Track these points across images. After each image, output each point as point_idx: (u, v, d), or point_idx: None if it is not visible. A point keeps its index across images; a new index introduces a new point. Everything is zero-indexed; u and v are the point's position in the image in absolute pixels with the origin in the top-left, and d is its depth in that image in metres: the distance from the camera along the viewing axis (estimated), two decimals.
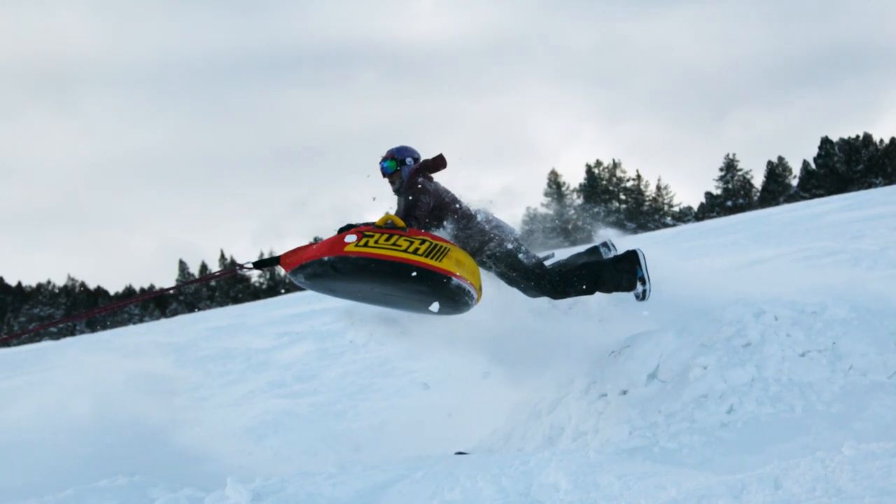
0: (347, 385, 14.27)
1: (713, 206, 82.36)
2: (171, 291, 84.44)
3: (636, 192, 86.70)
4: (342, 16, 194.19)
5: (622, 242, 9.84)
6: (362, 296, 8.81)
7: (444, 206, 8.96)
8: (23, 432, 11.15)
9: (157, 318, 72.19)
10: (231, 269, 9.55)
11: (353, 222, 8.39)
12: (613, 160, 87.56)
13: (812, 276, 12.92)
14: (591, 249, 9.78)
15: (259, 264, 8.67)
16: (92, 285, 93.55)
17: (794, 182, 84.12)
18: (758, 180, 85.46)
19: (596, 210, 78.69)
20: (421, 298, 8.60)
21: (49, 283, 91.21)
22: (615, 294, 9.33)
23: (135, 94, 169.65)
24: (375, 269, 8.13)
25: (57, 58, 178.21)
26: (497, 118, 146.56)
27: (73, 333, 71.76)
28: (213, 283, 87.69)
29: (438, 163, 9.11)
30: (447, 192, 9.13)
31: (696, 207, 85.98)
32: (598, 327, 9.57)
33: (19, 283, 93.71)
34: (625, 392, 8.50)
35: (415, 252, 8.16)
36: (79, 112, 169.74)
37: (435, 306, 8.49)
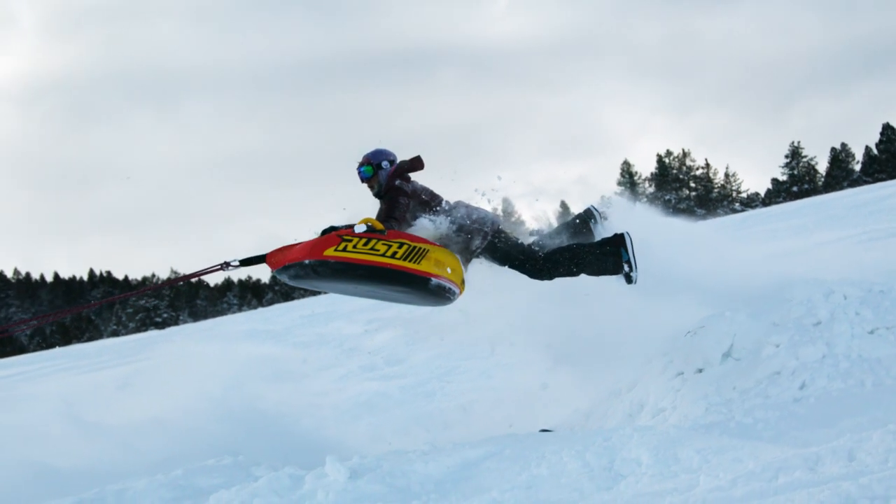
0: (434, 367, 14.30)
1: (779, 192, 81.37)
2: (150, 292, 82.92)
3: (705, 180, 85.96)
4: (423, 19, 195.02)
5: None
6: (349, 291, 8.77)
7: (423, 205, 8.82)
8: (143, 415, 11.34)
9: (255, 307, 72.91)
10: (218, 266, 9.57)
11: (336, 224, 8.36)
12: (683, 150, 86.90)
13: (877, 256, 12.77)
14: (579, 217, 9.40)
15: (245, 262, 8.60)
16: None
17: (857, 167, 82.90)
18: (822, 166, 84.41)
19: (667, 198, 78.17)
20: (403, 296, 8.66)
21: (153, 276, 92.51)
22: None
23: (231, 97, 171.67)
24: (354, 273, 8.13)
25: (157, 65, 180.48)
26: (572, 112, 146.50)
27: (176, 323, 72.84)
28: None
29: (415, 164, 8.93)
30: (425, 189, 8.97)
31: (763, 193, 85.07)
32: (666, 308, 9.50)
33: (126, 277, 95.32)
34: (701, 370, 8.44)
35: (392, 256, 8.12)
36: (179, 115, 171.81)
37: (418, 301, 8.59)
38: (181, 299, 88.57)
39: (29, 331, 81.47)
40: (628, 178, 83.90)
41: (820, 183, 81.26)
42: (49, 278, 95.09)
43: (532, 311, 10.51)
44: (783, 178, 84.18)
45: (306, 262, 8.05)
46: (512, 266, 8.96)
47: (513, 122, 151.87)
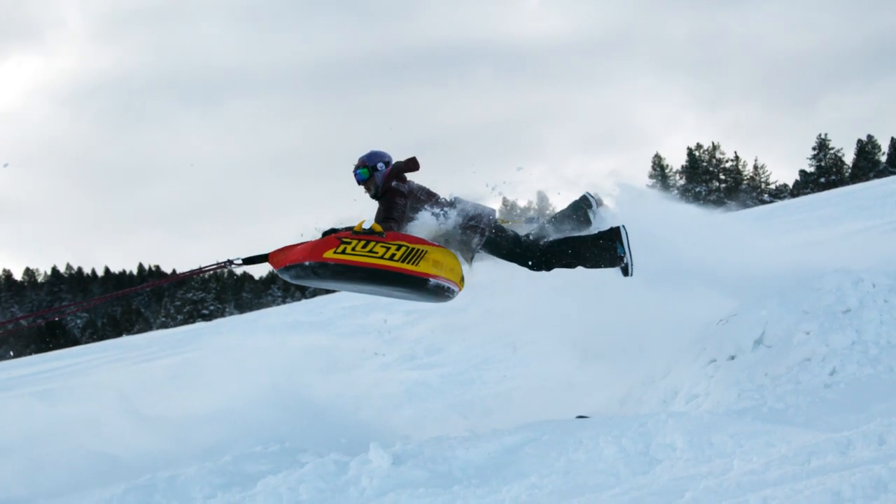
0: (472, 357, 14.31)
1: (807, 183, 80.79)
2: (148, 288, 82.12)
3: (734, 172, 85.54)
4: (459, 20, 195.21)
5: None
6: (350, 289, 8.76)
7: (421, 204, 8.70)
8: (192, 405, 11.41)
9: (298, 299, 73.19)
10: (222, 264, 9.54)
11: (336, 227, 8.37)
12: (713, 143, 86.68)
13: None
14: (575, 205, 9.15)
15: (248, 261, 8.62)
16: (238, 271, 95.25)
17: (883, 158, 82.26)
18: (848, 157, 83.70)
19: (697, 189, 77.90)
20: (404, 295, 8.67)
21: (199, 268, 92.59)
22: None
23: (272, 95, 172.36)
24: (353, 275, 8.13)
25: (201, 65, 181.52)
26: (604, 108, 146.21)
27: (222, 315, 73.18)
28: None
29: (411, 165, 8.81)
30: (422, 189, 8.84)
31: (791, 185, 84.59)
32: (694, 299, 9.46)
33: (174, 271, 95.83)
34: (733, 357, 8.42)
35: (391, 258, 8.11)
36: (222, 114, 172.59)
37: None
38: (227, 292, 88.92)
39: (75, 319, 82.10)
40: (659, 170, 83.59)
41: (847, 174, 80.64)
42: (100, 273, 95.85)
43: (562, 304, 10.53)
44: (811, 169, 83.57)
45: (306, 263, 8.08)
46: (512, 260, 8.88)
47: (547, 117, 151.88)
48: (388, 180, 8.71)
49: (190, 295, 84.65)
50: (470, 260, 8.78)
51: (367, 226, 8.19)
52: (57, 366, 31.35)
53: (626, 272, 8.76)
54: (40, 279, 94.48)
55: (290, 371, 10.82)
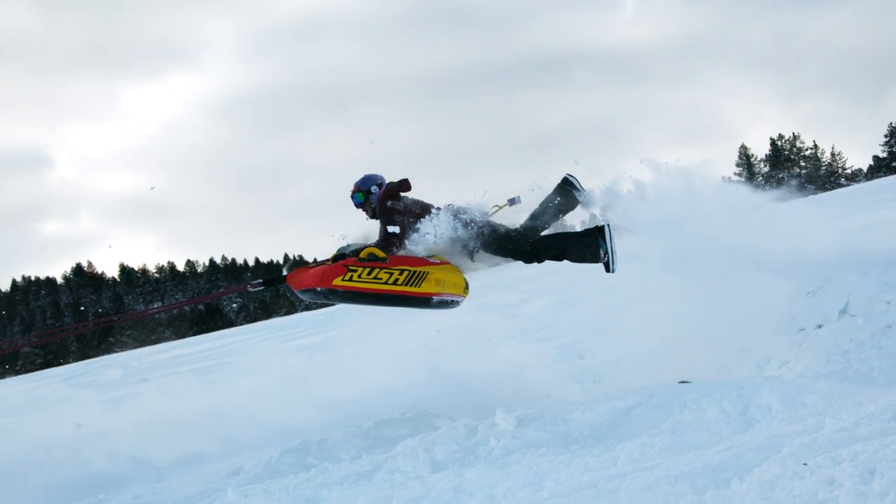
0: (583, 329, 14.25)
1: (880, 168, 78.53)
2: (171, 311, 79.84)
3: (813, 159, 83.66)
4: (560, 29, 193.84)
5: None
6: (362, 305, 8.66)
7: (417, 218, 8.48)
8: (335, 377, 11.65)
9: None
10: (242, 285, 9.68)
11: (345, 250, 8.29)
12: (793, 133, 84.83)
13: None
14: (559, 187, 8.69)
15: (268, 283, 8.65)
16: None
17: None
18: None
19: (780, 176, 76.55)
20: (411, 310, 8.61)
21: None
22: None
23: (396, 102, 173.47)
24: (361, 298, 8.17)
25: (333, 78, 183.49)
26: (693, 105, 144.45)
27: None
28: None
29: (403, 186, 8.54)
30: (416, 202, 8.60)
31: (865, 169, 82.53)
32: (779, 280, 9.31)
33: (315, 259, 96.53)
34: (820, 326, 8.32)
35: (394, 283, 8.08)
36: (350, 119, 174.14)
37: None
38: None
39: (230, 304, 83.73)
40: (745, 160, 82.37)
41: None
42: (251, 262, 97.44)
43: (659, 282, 10.46)
44: (883, 155, 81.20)
45: (318, 289, 8.10)
46: (506, 255, 8.65)
47: (642, 115, 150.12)
48: (382, 201, 8.48)
49: None
50: (471, 258, 8.64)
51: (371, 241, 8.30)
52: (222, 343, 32.15)
53: (607, 268, 8.50)
54: (199, 269, 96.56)
55: (420, 346, 10.95)
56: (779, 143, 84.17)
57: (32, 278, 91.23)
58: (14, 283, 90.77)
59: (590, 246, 8.43)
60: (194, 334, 59.26)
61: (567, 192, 8.65)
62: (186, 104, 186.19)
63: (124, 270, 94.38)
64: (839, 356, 7.80)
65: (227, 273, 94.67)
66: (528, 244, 8.52)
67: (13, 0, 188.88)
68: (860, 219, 19.52)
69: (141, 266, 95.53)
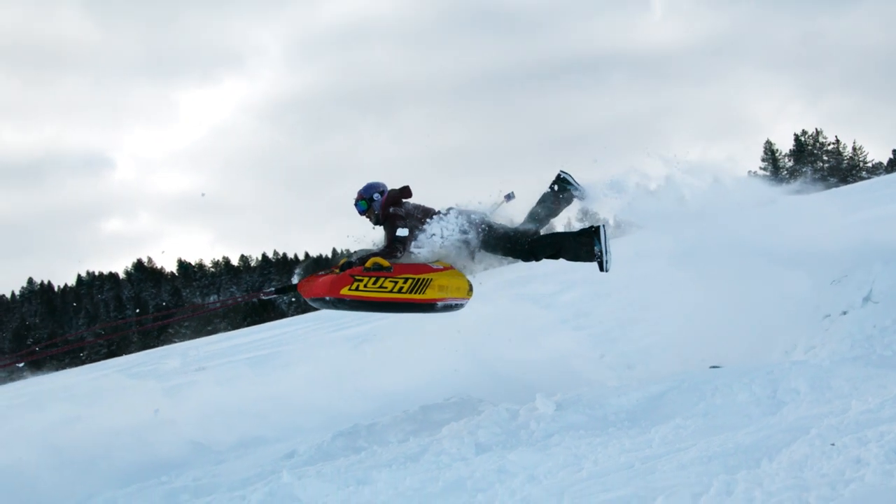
0: (616, 318, 14.21)
1: None
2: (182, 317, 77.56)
3: (836, 154, 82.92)
4: (592, 31, 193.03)
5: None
6: (369, 312, 8.59)
7: (420, 222, 8.39)
8: (382, 366, 11.73)
9: None
10: (255, 293, 9.54)
11: (352, 258, 8.24)
12: (816, 129, 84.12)
13: None
14: (555, 185, 8.58)
15: (280, 290, 8.62)
16: None
17: None
18: None
19: (804, 170, 76.01)
20: (416, 314, 8.53)
21: None
22: None
23: (438, 103, 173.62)
24: (368, 307, 8.14)
25: (377, 81, 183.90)
26: (720, 103, 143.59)
27: None
28: None
29: (404, 192, 8.51)
30: (418, 207, 8.52)
31: (885, 163, 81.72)
32: (800, 273, 9.25)
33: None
34: (844, 312, 8.32)
35: (399, 291, 8.04)
36: (395, 120, 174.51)
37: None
38: None
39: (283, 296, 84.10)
40: (770, 155, 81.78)
41: None
42: (301, 257, 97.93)
43: (686, 273, 10.44)
44: None
45: (327, 298, 8.07)
46: (505, 254, 8.58)
47: (671, 113, 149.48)
48: (385, 207, 8.45)
49: None
50: (472, 258, 8.57)
51: (377, 247, 8.30)
52: (274, 333, 32.39)
53: (601, 267, 8.39)
54: (253, 264, 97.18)
55: (461, 335, 10.97)
56: (802, 139, 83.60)
57: (96, 273, 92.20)
58: (79, 277, 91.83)
59: (585, 245, 8.34)
60: (248, 325, 59.70)
61: (562, 189, 8.61)
62: (237, 108, 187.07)
63: (182, 265, 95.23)
64: (863, 341, 7.78)
65: (278, 267, 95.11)
66: (526, 242, 8.46)
67: (73, 10, 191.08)
68: (882, 209, 19.37)
69: (198, 261, 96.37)
